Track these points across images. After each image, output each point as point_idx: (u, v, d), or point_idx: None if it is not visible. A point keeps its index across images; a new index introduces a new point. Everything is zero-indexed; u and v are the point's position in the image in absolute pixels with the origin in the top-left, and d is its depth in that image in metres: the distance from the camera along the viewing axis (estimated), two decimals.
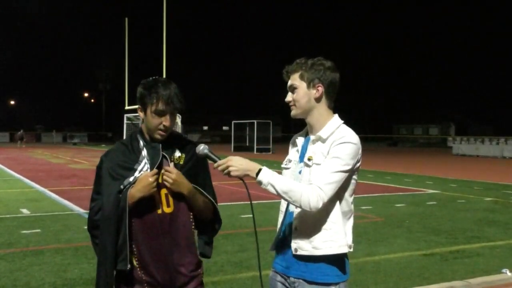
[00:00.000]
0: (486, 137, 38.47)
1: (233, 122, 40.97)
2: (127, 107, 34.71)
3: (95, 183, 2.30)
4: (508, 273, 5.41)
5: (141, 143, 2.26)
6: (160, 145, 2.25)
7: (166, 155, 2.25)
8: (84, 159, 26.98)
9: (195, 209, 2.27)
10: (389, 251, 6.49)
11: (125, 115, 36.96)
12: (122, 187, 2.17)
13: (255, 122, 37.64)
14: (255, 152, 35.47)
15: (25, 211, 9.31)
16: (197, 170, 2.29)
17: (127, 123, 37.04)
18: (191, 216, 2.29)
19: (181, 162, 2.27)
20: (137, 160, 2.23)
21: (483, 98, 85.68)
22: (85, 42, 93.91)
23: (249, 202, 2.22)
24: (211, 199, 2.32)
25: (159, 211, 2.21)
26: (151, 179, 2.14)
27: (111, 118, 73.63)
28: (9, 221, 8.33)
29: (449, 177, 17.42)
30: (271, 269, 2.38)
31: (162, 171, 2.19)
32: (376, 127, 70.89)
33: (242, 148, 38.08)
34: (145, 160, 2.23)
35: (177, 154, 2.28)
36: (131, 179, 2.18)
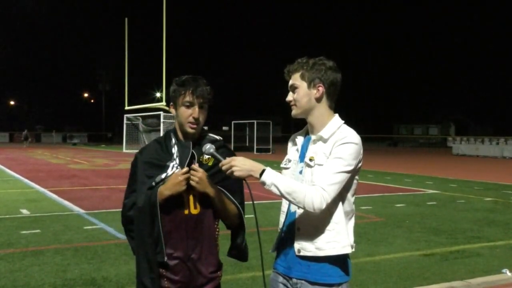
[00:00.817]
0: (486, 137, 38.44)
1: (233, 122, 40.95)
2: (127, 107, 34.72)
3: (130, 180, 2.37)
4: (508, 273, 5.41)
5: (173, 140, 2.32)
6: (191, 143, 2.30)
7: (195, 155, 2.29)
8: (84, 160, 26.98)
9: (220, 212, 2.30)
10: (389, 251, 6.48)
11: (125, 116, 37.01)
12: (153, 183, 2.23)
13: (255, 122, 37.66)
14: (255, 152, 35.47)
15: (25, 211, 9.30)
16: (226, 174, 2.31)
17: (126, 124, 37.11)
18: (216, 220, 2.34)
19: (210, 164, 2.30)
20: (170, 158, 2.28)
21: (483, 98, 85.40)
22: (85, 42, 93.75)
23: (251, 202, 2.22)
24: (237, 203, 2.33)
25: (186, 212, 2.26)
26: (180, 178, 2.19)
27: (111, 118, 73.61)
28: (9, 221, 8.33)
29: (449, 177, 17.42)
30: (271, 269, 2.38)
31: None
32: (376, 127, 70.80)
33: (242, 148, 38.04)
34: (175, 157, 2.28)
35: (207, 155, 2.31)
36: (163, 176, 2.24)
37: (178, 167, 2.25)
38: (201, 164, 2.29)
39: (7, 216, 8.77)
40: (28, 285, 4.93)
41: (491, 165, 25.99)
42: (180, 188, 2.19)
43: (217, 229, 2.36)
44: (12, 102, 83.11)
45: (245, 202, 2.40)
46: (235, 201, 2.32)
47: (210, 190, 2.23)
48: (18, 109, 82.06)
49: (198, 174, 2.21)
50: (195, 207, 2.27)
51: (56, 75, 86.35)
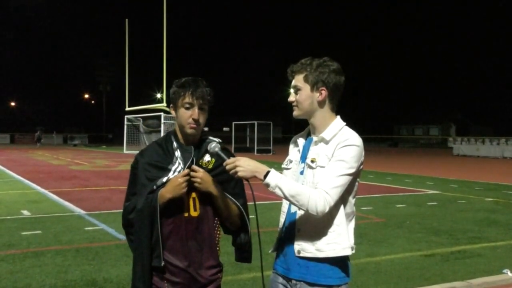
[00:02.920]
0: (487, 137, 38.45)
1: (233, 123, 40.91)
2: (127, 108, 34.77)
3: (131, 183, 2.35)
4: (509, 274, 5.41)
5: (174, 144, 2.32)
6: (192, 147, 2.30)
7: (195, 159, 2.28)
8: (85, 161, 26.98)
9: (223, 212, 2.30)
10: (390, 252, 6.48)
11: (126, 117, 37.03)
12: (155, 187, 2.23)
13: (256, 123, 37.62)
14: (255, 153, 35.44)
15: (25, 212, 9.30)
16: (227, 177, 2.28)
17: (127, 125, 37.13)
18: (216, 222, 2.33)
19: (210, 167, 2.30)
20: (171, 160, 2.28)
21: (484, 99, 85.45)
22: (86, 43, 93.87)
23: (252, 203, 2.22)
24: (238, 204, 2.32)
25: (186, 215, 2.26)
26: (180, 180, 2.19)
27: (111, 119, 73.66)
28: (10, 222, 8.33)
29: (450, 178, 17.41)
30: (271, 270, 2.38)
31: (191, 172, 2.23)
32: (377, 128, 70.78)
33: (242, 149, 38.02)
34: (178, 161, 2.27)
35: (207, 158, 2.31)
36: (165, 179, 2.23)
37: (181, 170, 2.25)
38: (200, 168, 2.28)
39: (8, 217, 8.77)
40: (28, 286, 4.92)
41: (492, 165, 25.97)
42: (180, 190, 2.19)
43: (218, 232, 2.36)
44: (12, 103, 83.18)
45: (247, 203, 2.40)
46: (237, 202, 2.32)
47: (213, 189, 2.23)
48: (19, 110, 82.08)
49: (199, 174, 2.21)
50: (195, 210, 2.27)
51: (57, 76, 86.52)
